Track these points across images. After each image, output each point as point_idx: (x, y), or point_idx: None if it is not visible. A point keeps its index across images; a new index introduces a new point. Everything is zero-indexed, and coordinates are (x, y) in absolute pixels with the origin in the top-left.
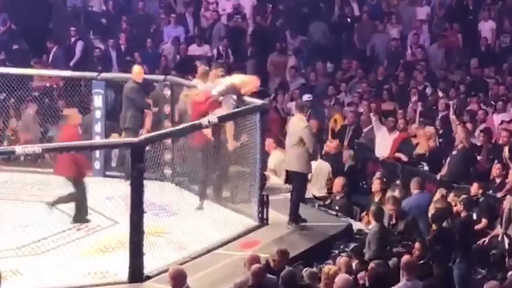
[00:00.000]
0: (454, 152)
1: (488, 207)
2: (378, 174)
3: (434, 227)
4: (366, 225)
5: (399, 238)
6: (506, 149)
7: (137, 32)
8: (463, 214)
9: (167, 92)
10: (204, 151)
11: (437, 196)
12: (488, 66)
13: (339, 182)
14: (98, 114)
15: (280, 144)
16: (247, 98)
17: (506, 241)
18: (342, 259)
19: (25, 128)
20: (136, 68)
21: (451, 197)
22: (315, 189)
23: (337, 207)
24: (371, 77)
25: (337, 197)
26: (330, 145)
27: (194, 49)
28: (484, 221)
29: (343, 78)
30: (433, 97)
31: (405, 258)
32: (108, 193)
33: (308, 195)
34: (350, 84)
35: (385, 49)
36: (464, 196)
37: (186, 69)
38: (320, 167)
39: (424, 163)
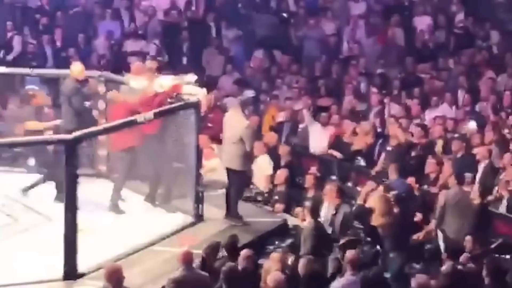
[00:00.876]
0: (388, 148)
1: (423, 202)
2: (312, 170)
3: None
4: (301, 221)
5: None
6: (439, 143)
7: (73, 27)
8: (395, 209)
9: (102, 88)
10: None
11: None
12: (424, 62)
13: (282, 173)
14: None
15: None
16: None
17: (440, 236)
18: (274, 255)
19: None
20: (78, 66)
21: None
22: (261, 184)
23: (276, 197)
24: (306, 73)
25: (278, 189)
26: (270, 135)
27: (129, 45)
28: (419, 215)
29: (279, 74)
30: (367, 93)
31: (349, 253)
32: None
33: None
34: (286, 79)
35: (321, 45)
36: (393, 192)
37: (120, 65)
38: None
39: (361, 158)
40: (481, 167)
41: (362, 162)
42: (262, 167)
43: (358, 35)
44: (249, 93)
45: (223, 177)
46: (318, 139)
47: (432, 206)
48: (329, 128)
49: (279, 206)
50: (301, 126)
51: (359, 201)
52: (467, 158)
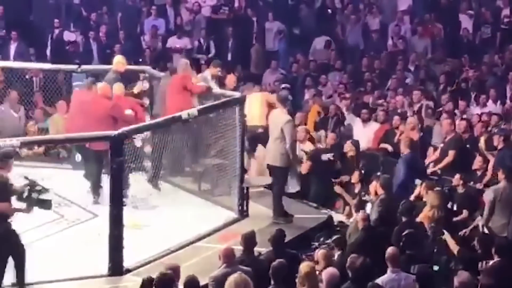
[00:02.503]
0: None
1: (468, 198)
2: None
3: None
4: (347, 217)
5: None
6: (482, 140)
7: (118, 24)
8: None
9: (146, 84)
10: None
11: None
12: (470, 57)
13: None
14: None
15: None
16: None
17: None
18: (320, 252)
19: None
20: (118, 58)
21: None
22: None
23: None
24: (350, 69)
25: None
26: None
27: (173, 42)
28: (464, 212)
29: (322, 70)
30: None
31: (390, 249)
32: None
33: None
34: (329, 75)
35: (366, 40)
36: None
37: (165, 61)
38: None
39: None
40: None
41: None
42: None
43: (403, 31)
44: (283, 86)
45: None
46: (361, 135)
47: (477, 203)
48: (371, 124)
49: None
50: (345, 122)
51: (412, 195)
52: (507, 151)
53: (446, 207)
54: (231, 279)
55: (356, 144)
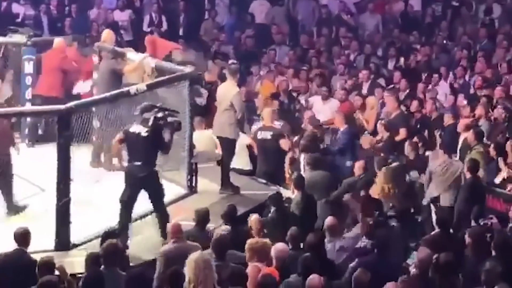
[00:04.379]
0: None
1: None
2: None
3: None
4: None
5: None
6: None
7: None
8: None
9: (95, 58)
10: None
11: None
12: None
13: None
14: (28, 80)
15: None
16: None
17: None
18: (253, 218)
19: None
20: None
21: None
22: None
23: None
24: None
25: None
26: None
27: (118, 15)
28: None
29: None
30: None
31: (328, 220)
32: (36, 161)
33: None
34: (278, 52)
35: (313, 16)
36: None
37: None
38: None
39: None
40: (461, 139)
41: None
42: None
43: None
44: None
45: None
46: (320, 112)
47: None
48: (331, 101)
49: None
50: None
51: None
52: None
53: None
54: (192, 257)
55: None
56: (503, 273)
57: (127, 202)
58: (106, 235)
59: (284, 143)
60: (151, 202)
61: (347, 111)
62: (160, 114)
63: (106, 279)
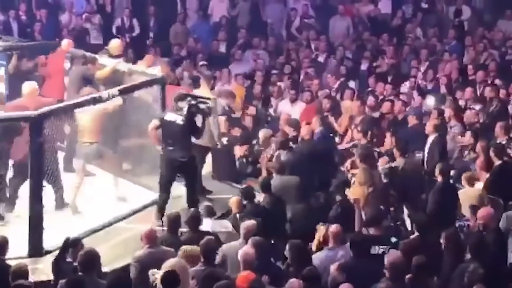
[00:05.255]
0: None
1: None
2: None
3: None
4: None
5: None
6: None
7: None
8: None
9: (68, 64)
10: None
11: None
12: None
13: None
14: (1, 87)
15: None
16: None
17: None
18: (233, 198)
19: None
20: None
21: None
22: None
23: None
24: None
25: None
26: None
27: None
28: None
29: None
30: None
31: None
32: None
33: None
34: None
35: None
36: None
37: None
38: None
39: None
40: (429, 141)
41: None
42: None
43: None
44: (201, 63)
45: None
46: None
47: None
48: (298, 103)
49: None
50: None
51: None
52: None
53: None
54: (168, 264)
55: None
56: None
57: (167, 185)
58: (65, 244)
59: (236, 150)
60: (186, 184)
61: (312, 113)
62: (193, 102)
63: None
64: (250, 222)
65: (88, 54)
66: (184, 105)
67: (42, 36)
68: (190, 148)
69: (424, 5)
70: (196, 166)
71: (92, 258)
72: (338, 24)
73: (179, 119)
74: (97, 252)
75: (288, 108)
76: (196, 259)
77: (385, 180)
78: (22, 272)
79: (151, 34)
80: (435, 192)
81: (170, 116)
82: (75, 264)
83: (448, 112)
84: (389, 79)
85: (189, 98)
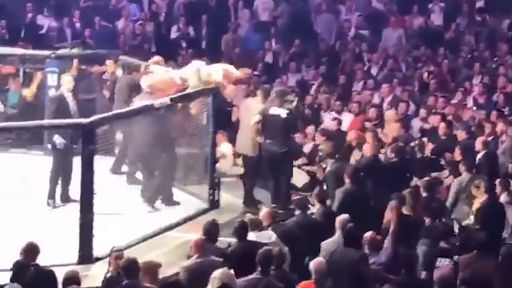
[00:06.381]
0: None
1: None
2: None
3: None
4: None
5: None
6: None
7: (91, 9)
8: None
9: (120, 72)
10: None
11: None
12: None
13: None
14: (52, 92)
15: None
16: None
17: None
18: (264, 210)
19: None
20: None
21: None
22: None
23: None
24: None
25: None
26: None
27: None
28: None
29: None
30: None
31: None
32: None
33: None
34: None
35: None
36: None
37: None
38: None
39: None
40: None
41: None
42: None
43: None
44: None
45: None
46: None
47: None
48: (344, 115)
49: None
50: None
51: None
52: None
53: None
54: (215, 274)
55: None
56: None
57: (275, 180)
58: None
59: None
60: (281, 177)
61: (360, 124)
62: (296, 98)
63: None
64: (344, 215)
65: (135, 61)
66: (291, 100)
67: (96, 43)
68: (289, 142)
69: (478, 18)
70: (292, 160)
71: (133, 265)
72: (390, 35)
73: (283, 113)
74: (137, 259)
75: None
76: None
77: (424, 194)
78: (75, 279)
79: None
80: (481, 212)
81: (273, 110)
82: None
83: (500, 126)
84: (441, 91)
85: (293, 94)
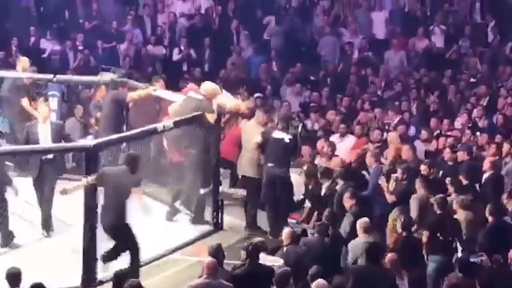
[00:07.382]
0: None
1: None
2: None
3: None
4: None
5: None
6: None
7: (93, 33)
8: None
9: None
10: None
11: None
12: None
13: None
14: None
15: None
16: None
17: None
18: (286, 230)
19: None
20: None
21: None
22: None
23: None
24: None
25: None
26: None
27: (150, 49)
28: None
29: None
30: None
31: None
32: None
33: None
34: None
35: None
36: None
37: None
38: None
39: None
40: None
41: None
42: None
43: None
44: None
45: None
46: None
47: None
48: (347, 137)
49: None
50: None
51: None
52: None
53: None
54: None
55: None
56: None
57: (273, 203)
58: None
59: None
60: (281, 200)
61: (362, 146)
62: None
63: None
64: (364, 219)
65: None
66: (295, 125)
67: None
68: (289, 166)
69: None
70: (292, 185)
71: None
72: (392, 58)
73: (286, 137)
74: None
75: (337, 142)
76: None
77: (438, 211)
78: None
79: (206, 66)
80: (485, 233)
81: (277, 134)
82: None
83: (506, 147)
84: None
85: (296, 119)
